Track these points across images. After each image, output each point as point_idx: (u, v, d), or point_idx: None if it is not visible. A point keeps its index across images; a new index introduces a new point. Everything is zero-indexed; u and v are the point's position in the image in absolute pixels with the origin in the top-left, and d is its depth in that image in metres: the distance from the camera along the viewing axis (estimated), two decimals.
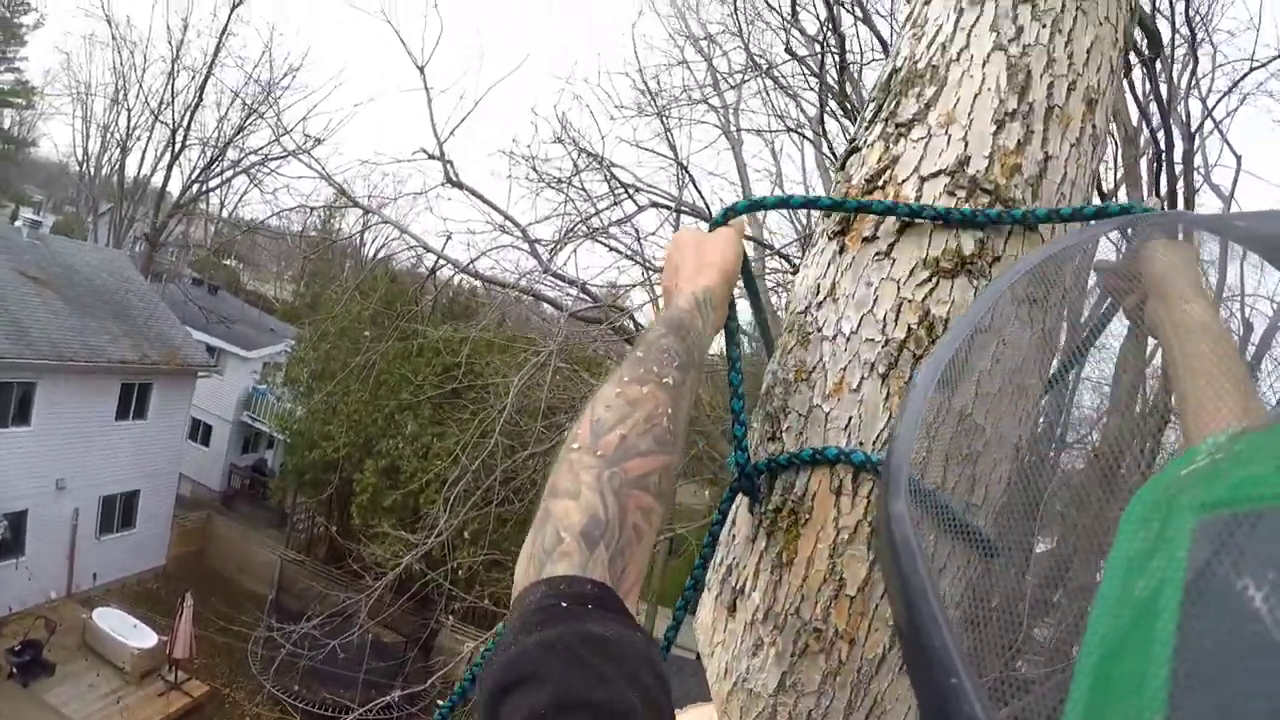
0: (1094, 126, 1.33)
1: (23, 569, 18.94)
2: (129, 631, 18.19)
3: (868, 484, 1.17)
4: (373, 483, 22.13)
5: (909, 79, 1.35)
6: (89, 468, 20.68)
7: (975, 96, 1.27)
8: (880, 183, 1.29)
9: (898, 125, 1.32)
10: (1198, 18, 9.25)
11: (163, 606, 20.40)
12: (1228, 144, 10.13)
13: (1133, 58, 8.08)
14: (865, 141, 1.37)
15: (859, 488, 1.18)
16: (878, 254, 1.24)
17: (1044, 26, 1.32)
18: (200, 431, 29.54)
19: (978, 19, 1.33)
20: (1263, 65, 9.50)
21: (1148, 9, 8.21)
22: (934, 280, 1.20)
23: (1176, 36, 8.87)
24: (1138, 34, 7.95)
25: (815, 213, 1.45)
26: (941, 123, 1.27)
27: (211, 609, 19.67)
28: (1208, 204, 10.09)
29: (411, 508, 20.73)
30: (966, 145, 1.24)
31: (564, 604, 0.72)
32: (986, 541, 1.14)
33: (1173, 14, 8.69)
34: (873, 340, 1.22)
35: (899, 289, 1.22)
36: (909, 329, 1.19)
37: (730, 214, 1.34)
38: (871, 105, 1.42)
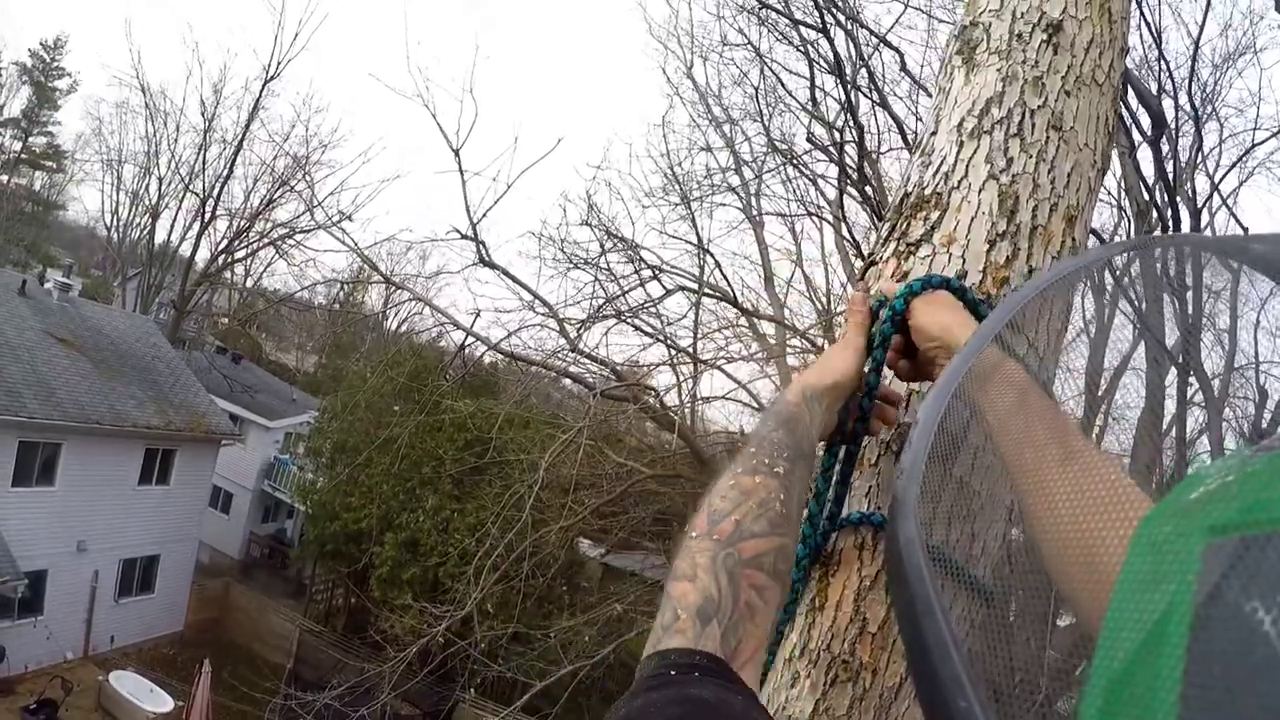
0: (1073, 239, 1.58)
1: (41, 628, 18.89)
2: (145, 695, 18.16)
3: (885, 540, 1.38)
4: (393, 555, 22.10)
5: (917, 204, 1.60)
6: (110, 530, 20.76)
7: (972, 220, 1.51)
8: None
9: (908, 244, 1.56)
10: (1203, 94, 9.44)
11: (179, 672, 20.35)
12: (1235, 218, 10.32)
13: (1137, 137, 8.32)
14: (881, 257, 1.61)
15: (878, 544, 1.39)
16: None
17: (1030, 157, 1.57)
18: (221, 499, 29.59)
19: (975, 151, 1.58)
20: (1273, 135, 9.63)
21: (1152, 89, 8.47)
22: None
23: (1181, 114, 9.06)
24: (1141, 114, 8.19)
25: (842, 289, 1.51)
26: (944, 242, 1.51)
27: (228, 677, 19.58)
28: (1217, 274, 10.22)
29: (431, 581, 20.69)
30: (964, 262, 1.48)
31: (673, 672, 0.76)
32: (987, 590, 1.31)
33: (1175, 93, 8.88)
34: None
35: (909, 384, 1.45)
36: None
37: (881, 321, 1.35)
38: (886, 225, 1.67)
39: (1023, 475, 0.96)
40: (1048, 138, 1.59)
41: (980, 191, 1.54)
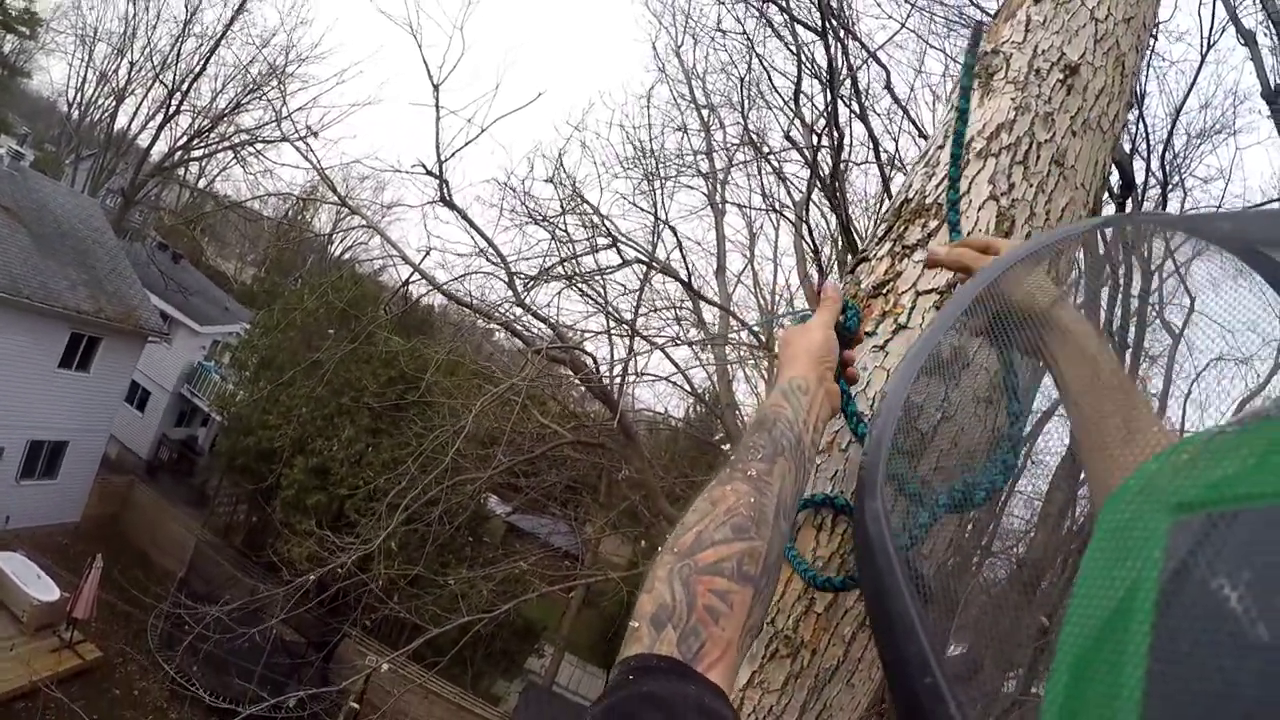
0: (1057, 272, 1.64)
1: None
2: (32, 580, 17.69)
3: (844, 524, 1.42)
4: (300, 479, 22.01)
5: (917, 210, 1.65)
6: (22, 409, 20.33)
7: (968, 234, 1.56)
8: (884, 291, 1.58)
9: (904, 246, 1.61)
10: (1173, 162, 9.64)
11: (69, 563, 19.92)
12: (1185, 285, 10.58)
13: (1104, 195, 8.49)
14: (875, 255, 1.66)
15: (836, 526, 1.43)
16: (875, 346, 1.52)
17: (1031, 186, 1.63)
18: (138, 396, 29.20)
19: (979, 171, 1.64)
20: None
21: (1126, 149, 8.64)
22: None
23: (1150, 178, 9.23)
24: (1113, 174, 8.35)
25: (786, 289, 1.52)
26: None
27: (119, 576, 19.20)
28: (1159, 340, 10.54)
29: (336, 511, 20.56)
30: (955, 273, 1.52)
31: (630, 676, 0.80)
32: (928, 590, 1.35)
33: (1148, 156, 9.05)
34: (860, 413, 1.48)
35: (887, 375, 1.49)
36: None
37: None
38: (883, 225, 1.72)
39: (1088, 453, 0.99)
40: (1049, 171, 1.66)
41: (980, 209, 1.59)
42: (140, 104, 37.00)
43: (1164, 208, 9.49)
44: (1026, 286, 1.17)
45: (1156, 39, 8.96)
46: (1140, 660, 0.42)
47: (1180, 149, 9.93)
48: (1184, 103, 9.09)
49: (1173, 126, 9.17)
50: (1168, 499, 0.47)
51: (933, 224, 1.61)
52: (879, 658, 0.81)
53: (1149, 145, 9.09)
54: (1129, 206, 8.33)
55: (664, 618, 0.86)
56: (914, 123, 11.48)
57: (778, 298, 17.66)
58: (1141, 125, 8.98)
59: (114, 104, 37.75)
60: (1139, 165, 8.85)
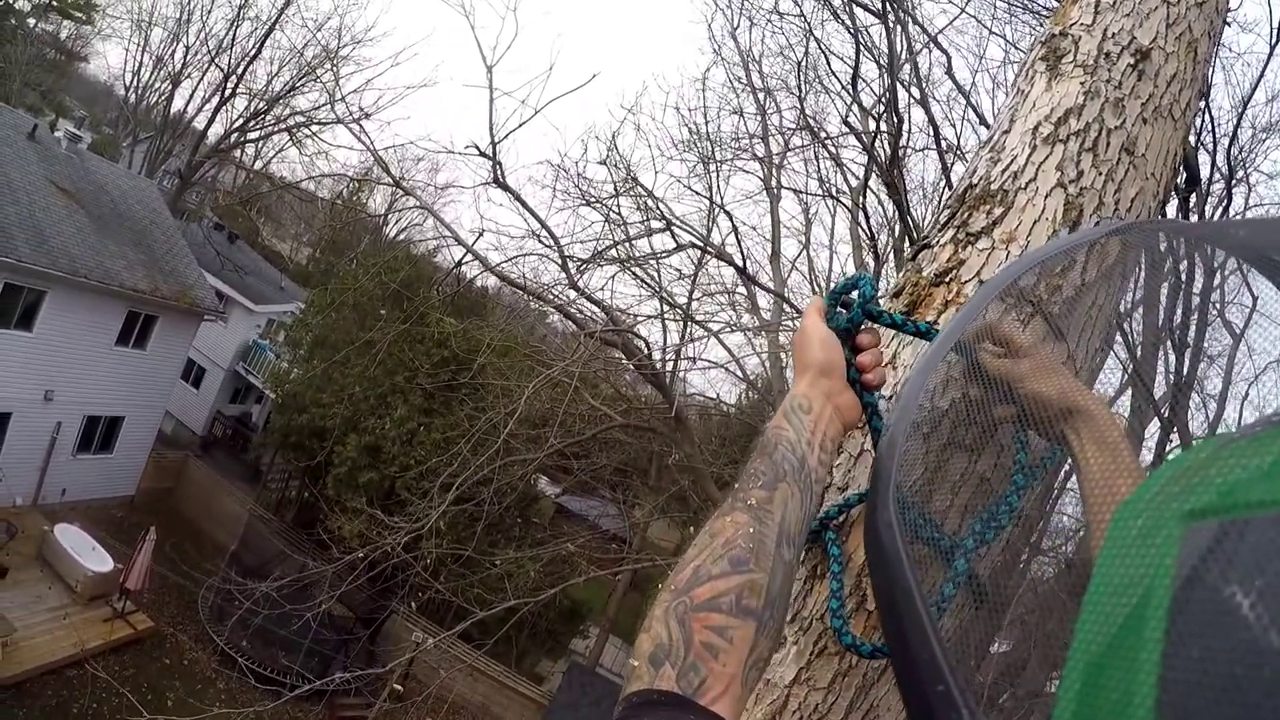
0: (1125, 264, 1.58)
1: None
2: (86, 552, 18.02)
3: None
4: (353, 457, 22.14)
5: (982, 196, 1.60)
6: (80, 385, 20.65)
7: (1034, 222, 1.52)
8: (946, 279, 1.53)
9: (968, 234, 1.56)
10: (1239, 157, 9.37)
11: (123, 535, 20.32)
12: (1247, 284, 10.39)
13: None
14: (938, 242, 1.61)
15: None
16: None
17: (1100, 174, 1.57)
18: (193, 373, 29.69)
19: (1047, 157, 1.59)
20: None
21: (1191, 141, 8.44)
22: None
23: (1215, 173, 9.01)
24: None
25: (842, 276, 1.47)
26: (1004, 239, 1.51)
27: (170, 550, 19.58)
28: (1219, 338, 10.35)
29: (387, 490, 20.74)
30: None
31: (630, 711, 0.82)
32: (982, 590, 1.32)
33: (1214, 150, 8.83)
34: (921, 405, 1.42)
35: (949, 368, 1.44)
36: (952, 401, 1.40)
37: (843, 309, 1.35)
38: (946, 211, 1.67)
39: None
40: (1119, 159, 1.60)
41: (1047, 197, 1.54)
42: (196, 87, 37.69)
43: (1229, 204, 9.25)
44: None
45: (1228, 25, 8.73)
46: (1153, 667, 0.42)
47: (1246, 143, 9.65)
48: (1251, 95, 8.81)
49: (1239, 120, 8.91)
50: (1180, 506, 0.48)
51: (997, 211, 1.55)
52: (891, 662, 0.80)
53: (1214, 139, 8.84)
54: (1193, 202, 8.15)
55: (661, 656, 0.87)
56: (975, 109, 11.31)
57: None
58: (1207, 118, 8.76)
59: (170, 87, 38.37)
60: (1203, 159, 8.62)
